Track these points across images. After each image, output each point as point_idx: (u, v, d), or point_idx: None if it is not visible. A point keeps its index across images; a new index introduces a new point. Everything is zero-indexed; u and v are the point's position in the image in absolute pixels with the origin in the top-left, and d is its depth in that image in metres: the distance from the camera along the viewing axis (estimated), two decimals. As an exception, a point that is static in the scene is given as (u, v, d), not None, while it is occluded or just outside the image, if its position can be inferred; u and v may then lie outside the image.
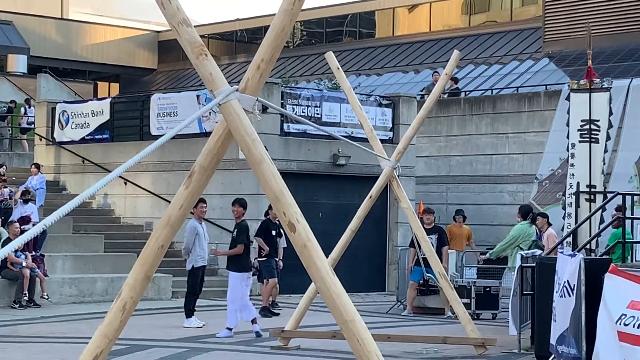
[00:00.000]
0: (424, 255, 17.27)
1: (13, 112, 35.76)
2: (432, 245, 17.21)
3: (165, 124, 26.10)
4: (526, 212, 19.40)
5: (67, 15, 62.54)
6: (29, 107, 34.85)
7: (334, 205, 25.53)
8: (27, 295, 20.19)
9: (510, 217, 25.42)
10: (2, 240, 20.23)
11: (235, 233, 17.26)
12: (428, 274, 19.70)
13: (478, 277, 20.90)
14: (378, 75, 43.23)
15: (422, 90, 33.92)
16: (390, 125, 27.07)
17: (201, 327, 17.05)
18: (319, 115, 25.75)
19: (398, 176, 13.41)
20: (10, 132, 35.84)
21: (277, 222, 19.89)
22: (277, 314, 19.64)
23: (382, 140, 15.25)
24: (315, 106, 25.87)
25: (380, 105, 27.16)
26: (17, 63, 50.89)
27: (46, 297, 20.56)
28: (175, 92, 31.07)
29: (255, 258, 19.66)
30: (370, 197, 12.50)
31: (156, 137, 25.40)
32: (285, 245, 20.61)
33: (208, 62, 5.02)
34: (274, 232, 20.13)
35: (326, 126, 24.65)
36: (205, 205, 17.65)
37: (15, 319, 18.36)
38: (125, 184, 27.06)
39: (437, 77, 26.48)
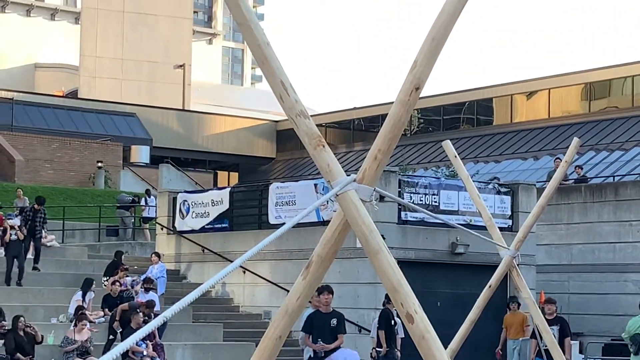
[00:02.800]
0: (546, 346, 16.89)
1: (136, 204, 36.58)
2: (554, 336, 16.84)
3: (284, 212, 26.32)
4: None
5: (189, 107, 64.08)
6: (149, 197, 35.59)
7: (453, 295, 25.25)
8: (147, 383, 20.39)
9: (635, 307, 24.75)
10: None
11: (334, 322, 16.84)
12: (550, 366, 19.24)
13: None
14: (496, 162, 42.97)
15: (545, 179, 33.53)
16: (509, 213, 26.79)
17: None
18: (437, 204, 25.66)
19: (518, 265, 13.24)
20: (133, 222, 36.61)
21: (395, 312, 19.75)
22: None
23: (501, 229, 15.08)
24: (433, 194, 25.80)
25: (499, 192, 26.95)
26: (140, 154, 52.18)
27: (166, 385, 20.74)
28: (293, 180, 31.39)
29: (374, 348, 19.50)
30: (490, 286, 12.33)
31: (274, 226, 25.63)
32: (403, 336, 20.42)
33: (325, 153, 5.06)
34: (392, 322, 20.00)
35: (444, 214, 24.54)
36: (329, 295, 17.07)
37: (135, 408, 18.52)
38: (244, 272, 27.27)
39: (558, 163, 26.23)
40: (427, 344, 4.83)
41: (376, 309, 21.26)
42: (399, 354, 20.29)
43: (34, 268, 25.42)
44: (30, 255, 25.76)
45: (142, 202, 36.02)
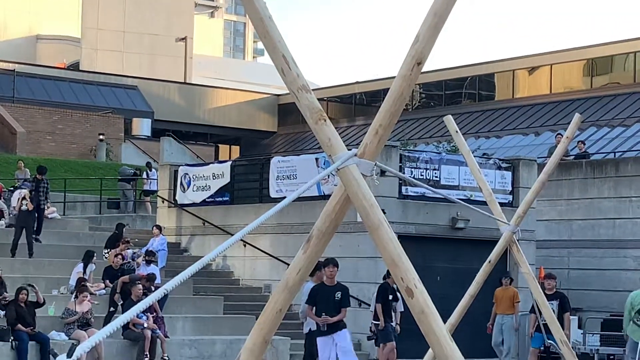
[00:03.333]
0: (545, 321, 16.94)
1: (137, 177, 36.61)
2: (554, 311, 16.89)
3: (285, 186, 26.34)
4: None
5: (190, 80, 63.97)
6: (151, 171, 35.60)
7: (453, 269, 25.30)
8: (149, 356, 20.45)
9: (634, 283, 24.81)
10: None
11: (339, 295, 16.91)
12: (549, 341, 19.29)
13: (601, 345, 20.40)
14: (497, 138, 42.94)
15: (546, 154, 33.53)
16: (510, 189, 26.81)
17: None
18: (438, 178, 25.67)
19: (518, 240, 13.26)
20: (134, 195, 36.63)
21: (395, 286, 19.82)
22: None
23: (502, 204, 15.09)
24: (434, 169, 25.81)
25: (499, 168, 26.95)
26: (142, 127, 52.16)
27: (167, 358, 20.79)
28: (295, 154, 31.39)
29: (372, 322, 19.60)
30: (490, 261, 12.34)
31: (275, 200, 25.66)
32: (403, 310, 20.50)
33: (327, 128, 5.06)
34: (391, 297, 20.05)
35: (445, 189, 24.56)
36: (334, 268, 17.16)
37: (135, 379, 18.61)
38: (245, 246, 27.33)
39: (559, 139, 26.21)
40: (426, 319, 4.85)
41: (376, 283, 21.32)
42: (398, 328, 20.37)
43: (35, 239, 25.45)
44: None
45: (144, 175, 36.03)
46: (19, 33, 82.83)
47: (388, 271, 19.62)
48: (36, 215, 25.54)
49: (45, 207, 26.20)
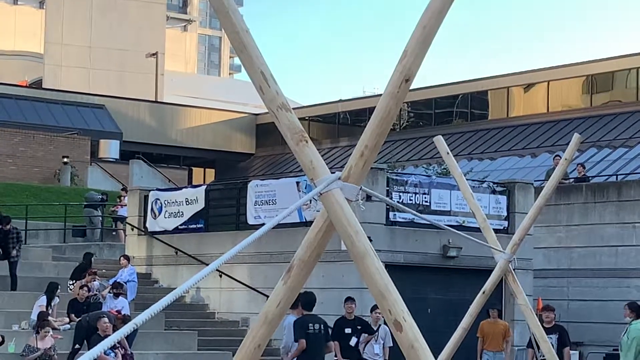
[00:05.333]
0: (543, 356, 16.95)
1: (105, 203, 36.51)
2: (553, 345, 16.91)
3: (264, 212, 26.34)
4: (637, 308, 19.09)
5: (162, 98, 64.04)
6: (126, 196, 35.52)
7: (444, 301, 25.31)
8: (116, 395, 20.37)
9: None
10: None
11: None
12: (548, 377, 19.30)
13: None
14: (491, 160, 43.07)
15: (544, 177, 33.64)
16: (505, 214, 26.87)
17: None
18: (428, 203, 25.72)
19: (514, 270, 13.29)
20: (102, 222, 36.54)
21: (354, 319, 19.85)
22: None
23: (496, 230, 15.12)
24: (424, 193, 25.86)
25: (494, 192, 27.02)
26: (109, 149, 52.09)
27: (136, 397, 20.72)
28: (274, 178, 31.40)
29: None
30: (484, 292, 12.35)
31: (253, 227, 25.63)
32: (391, 344, 20.49)
33: (308, 149, 5.07)
34: (349, 330, 19.87)
35: (435, 215, 24.60)
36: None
37: (103, 421, 18.51)
38: (221, 276, 27.29)
39: (557, 160, 26.34)
40: (416, 354, 4.85)
41: (363, 316, 21.26)
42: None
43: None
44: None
45: (118, 201, 35.98)
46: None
47: (375, 305, 19.61)
48: (9, 269, 25.05)
49: (16, 258, 25.47)
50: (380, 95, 4.95)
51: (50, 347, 20.35)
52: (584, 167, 33.10)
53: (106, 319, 20.87)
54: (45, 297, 22.64)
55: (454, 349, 13.98)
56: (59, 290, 23.13)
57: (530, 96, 47.03)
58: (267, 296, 5.46)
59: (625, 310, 19.39)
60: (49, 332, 20.50)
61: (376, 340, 21.31)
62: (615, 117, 41.30)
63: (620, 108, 42.08)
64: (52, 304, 22.77)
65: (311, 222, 5.40)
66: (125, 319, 21.77)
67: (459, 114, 50.20)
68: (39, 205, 38.09)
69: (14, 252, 25.20)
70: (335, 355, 19.58)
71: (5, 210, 31.70)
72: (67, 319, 22.73)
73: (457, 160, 13.30)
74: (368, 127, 5.01)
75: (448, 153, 13.33)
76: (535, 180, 30.83)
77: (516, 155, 42.47)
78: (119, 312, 22.57)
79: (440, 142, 12.86)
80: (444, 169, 34.66)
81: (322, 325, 17.02)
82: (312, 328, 16.95)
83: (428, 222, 24.16)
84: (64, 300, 23.40)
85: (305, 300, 17.16)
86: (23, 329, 22.38)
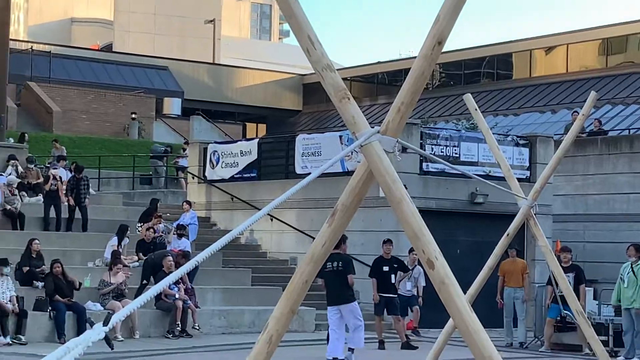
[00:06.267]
0: (561, 292, 16.92)
1: (169, 154, 36.70)
2: (570, 283, 16.84)
3: (310, 163, 26.34)
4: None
5: (219, 60, 63.95)
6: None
7: (472, 243, 25.26)
8: (180, 326, 20.56)
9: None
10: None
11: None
12: (565, 311, 19.28)
13: (615, 315, 20.34)
14: (515, 116, 42.75)
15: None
16: (527, 165, 26.70)
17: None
18: (457, 155, 25.60)
19: (535, 214, 13.22)
20: (166, 171, 36.73)
21: (390, 258, 19.88)
22: (416, 348, 19.49)
23: (519, 179, 15.03)
24: (454, 146, 25.73)
25: (517, 144, 26.84)
26: (172, 106, 52.27)
27: (197, 327, 20.90)
28: (319, 132, 31.35)
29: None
30: (508, 234, 12.30)
31: (301, 176, 25.66)
32: (425, 284, 20.69)
33: (350, 106, 5.05)
34: (386, 268, 19.88)
35: (464, 165, 24.49)
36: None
37: (168, 349, 18.71)
38: (272, 220, 27.37)
39: (575, 116, 26.03)
40: (446, 289, 4.84)
41: (399, 256, 21.28)
42: (421, 300, 20.29)
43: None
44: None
45: (182, 152, 36.15)
46: (54, 16, 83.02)
47: (412, 248, 19.65)
48: (81, 212, 25.31)
49: (87, 204, 25.75)
50: (415, 57, 4.91)
51: (121, 282, 20.57)
52: (600, 122, 32.74)
53: (170, 257, 21.06)
54: (116, 237, 22.84)
55: (481, 286, 13.96)
56: (128, 232, 23.32)
57: (551, 58, 46.56)
58: (313, 238, 5.47)
59: (630, 250, 19.20)
60: (120, 268, 20.71)
61: (409, 278, 21.38)
62: (628, 77, 40.80)
63: (633, 68, 41.56)
64: (123, 243, 22.98)
65: (353, 172, 5.39)
66: (185, 254, 21.96)
67: (485, 74, 49.81)
68: (110, 156, 38.35)
69: (86, 201, 25.41)
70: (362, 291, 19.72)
71: (81, 160, 31.97)
72: (135, 257, 22.93)
73: (484, 116, 13.21)
74: (404, 86, 4.98)
75: (476, 109, 13.24)
76: (555, 134, 30.58)
77: (538, 111, 42.13)
78: (181, 250, 22.73)
79: (469, 99, 12.76)
80: (472, 124, 34.45)
81: (340, 263, 17.04)
82: (329, 266, 17.07)
83: (458, 172, 24.09)
84: (132, 241, 23.61)
85: None
86: (97, 265, 22.61)
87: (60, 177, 25.78)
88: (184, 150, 35.84)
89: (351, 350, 16.45)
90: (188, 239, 24.47)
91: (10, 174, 25.87)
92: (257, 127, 61.36)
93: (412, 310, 21.76)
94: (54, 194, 24.90)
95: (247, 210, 27.86)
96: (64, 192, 25.05)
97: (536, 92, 44.18)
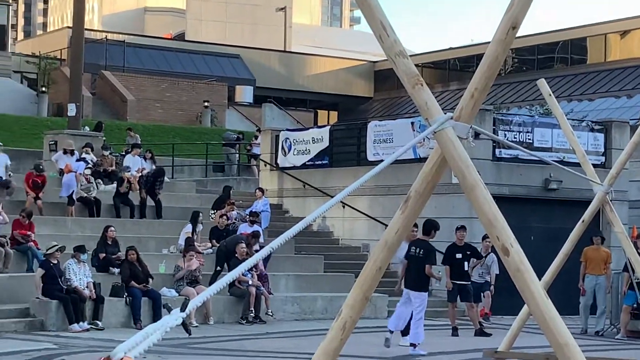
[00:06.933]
0: (638, 279, 16.71)
1: (241, 142, 36.93)
2: (646, 269, 16.58)
3: (382, 150, 26.30)
4: None
5: (290, 48, 64.12)
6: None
7: (546, 229, 25.00)
8: (253, 312, 20.70)
9: None
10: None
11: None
12: (642, 298, 19.01)
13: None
14: (590, 101, 42.18)
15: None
16: (603, 150, 26.33)
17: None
18: (531, 141, 25.34)
19: (611, 200, 13.04)
20: (239, 159, 36.96)
21: (463, 245, 19.76)
22: (490, 335, 19.37)
23: (594, 165, 14.82)
24: (527, 132, 25.48)
25: (592, 130, 26.48)
26: (244, 94, 52.56)
27: (270, 314, 21.02)
28: (391, 119, 31.27)
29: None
30: (583, 221, 12.15)
31: (372, 163, 25.64)
32: (498, 272, 20.56)
33: (423, 92, 5.04)
34: (459, 256, 19.76)
35: (538, 151, 24.23)
36: (416, 229, 17.47)
37: (242, 334, 18.85)
38: (344, 207, 27.40)
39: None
40: (522, 276, 4.81)
41: (472, 243, 21.15)
42: (493, 288, 20.17)
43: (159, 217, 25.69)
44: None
45: (254, 139, 36.35)
46: (127, 6, 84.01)
47: (485, 234, 19.50)
48: (154, 202, 25.72)
49: (160, 197, 26.07)
50: (488, 42, 4.87)
51: (195, 269, 20.75)
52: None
53: (243, 244, 21.18)
54: (190, 224, 23.04)
55: (556, 273, 13.83)
56: (201, 218, 23.49)
57: (626, 42, 45.81)
58: (385, 225, 5.48)
59: None
60: (193, 255, 20.90)
61: (481, 265, 21.24)
62: None
63: None
64: (197, 230, 23.17)
65: (424, 159, 5.38)
66: (255, 234, 22.10)
67: (559, 59, 49.23)
68: (183, 144, 38.72)
69: (158, 191, 25.73)
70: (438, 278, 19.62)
71: (154, 148, 32.31)
72: (209, 244, 23.10)
73: (557, 101, 13.06)
74: (478, 71, 4.95)
75: (550, 95, 13.07)
76: (630, 119, 30.12)
77: (613, 96, 41.51)
78: (257, 232, 22.77)
79: (543, 84, 12.61)
80: (546, 109, 34.09)
81: (421, 250, 17.01)
82: (412, 251, 17.05)
83: (531, 158, 23.86)
84: (206, 228, 23.79)
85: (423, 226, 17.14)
86: (171, 252, 22.84)
87: (142, 170, 26.08)
88: (256, 138, 36.02)
89: (413, 345, 16.40)
90: (260, 226, 24.59)
91: (87, 160, 26.19)
92: (328, 114, 61.43)
93: (484, 296, 21.63)
94: (126, 195, 25.19)
95: (319, 197, 27.92)
96: (138, 188, 25.33)
97: (611, 77, 43.53)
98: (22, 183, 24.13)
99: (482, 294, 21.37)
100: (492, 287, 20.58)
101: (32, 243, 20.62)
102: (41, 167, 24.50)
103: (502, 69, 48.47)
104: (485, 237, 20.65)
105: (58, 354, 14.97)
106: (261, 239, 22.83)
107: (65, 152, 26.41)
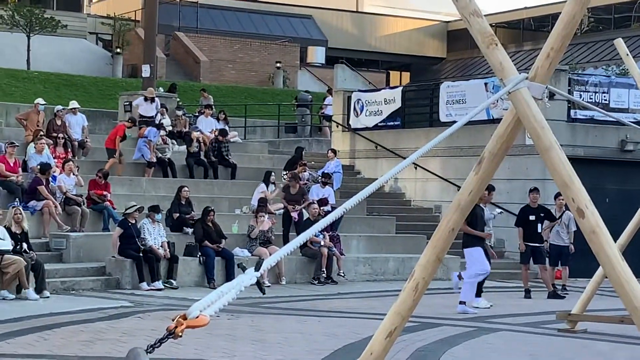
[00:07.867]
0: None
1: (312, 102, 36.95)
2: None
3: (454, 111, 26.13)
4: None
5: (362, 8, 63.75)
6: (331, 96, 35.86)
7: (621, 191, 24.67)
8: (325, 272, 20.80)
9: None
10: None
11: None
12: None
13: None
14: (668, 61, 41.30)
15: None
16: (681, 111, 25.83)
17: (489, 308, 16.97)
18: (607, 102, 24.95)
19: (689, 162, 12.78)
20: (311, 119, 36.99)
21: (537, 207, 19.54)
22: (563, 297, 19.23)
23: (672, 126, 14.59)
24: (603, 92, 25.08)
25: (670, 90, 25.96)
26: (316, 54, 52.50)
27: (342, 274, 21.10)
28: (464, 80, 31.03)
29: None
30: (660, 183, 11.93)
31: (445, 124, 25.51)
32: (575, 228, 20.27)
33: (498, 52, 4.99)
34: (533, 217, 19.55)
35: (614, 112, 23.86)
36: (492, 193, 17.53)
37: (314, 294, 18.97)
38: (416, 168, 27.32)
39: None
40: (597, 238, 4.76)
41: (545, 204, 20.94)
42: (572, 247, 19.91)
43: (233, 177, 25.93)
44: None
45: (325, 100, 36.36)
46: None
47: (558, 192, 19.28)
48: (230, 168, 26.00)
49: (230, 160, 26.30)
50: (563, 2, 4.79)
51: (267, 230, 20.89)
52: None
53: (315, 205, 21.26)
54: (263, 184, 23.17)
55: (632, 234, 13.63)
56: (273, 178, 23.58)
57: None
58: (458, 186, 5.45)
59: None
60: (264, 216, 21.02)
61: (559, 225, 20.94)
62: None
63: None
64: (269, 190, 23.28)
65: (498, 120, 5.34)
66: (322, 201, 22.17)
67: (637, 18, 48.26)
68: (255, 105, 38.85)
69: (226, 155, 25.90)
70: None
71: (227, 109, 32.48)
72: (281, 205, 23.21)
73: (635, 61, 12.82)
74: (554, 31, 4.87)
75: (627, 54, 12.82)
76: None
77: (692, 55, 40.59)
78: (327, 199, 22.86)
79: (620, 44, 12.38)
80: (623, 69, 33.48)
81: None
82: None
83: (607, 119, 23.51)
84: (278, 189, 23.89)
85: None
86: (244, 212, 23.01)
87: (215, 131, 26.34)
88: (324, 99, 36.03)
89: (462, 303, 16.34)
90: (332, 188, 24.64)
91: (164, 126, 26.46)
92: (400, 75, 61.12)
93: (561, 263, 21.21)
94: (198, 155, 25.45)
95: (390, 158, 27.87)
96: (206, 153, 25.60)
97: (691, 36, 42.58)
98: (106, 139, 24.49)
99: (559, 262, 20.80)
100: (571, 246, 20.18)
101: (108, 202, 20.96)
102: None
103: (578, 29, 47.66)
104: (557, 195, 20.39)
105: (134, 312, 15.23)
106: (332, 201, 22.89)
107: (146, 99, 26.84)
